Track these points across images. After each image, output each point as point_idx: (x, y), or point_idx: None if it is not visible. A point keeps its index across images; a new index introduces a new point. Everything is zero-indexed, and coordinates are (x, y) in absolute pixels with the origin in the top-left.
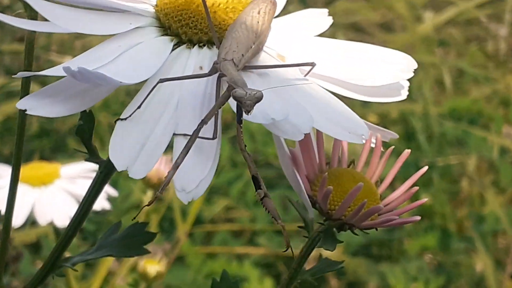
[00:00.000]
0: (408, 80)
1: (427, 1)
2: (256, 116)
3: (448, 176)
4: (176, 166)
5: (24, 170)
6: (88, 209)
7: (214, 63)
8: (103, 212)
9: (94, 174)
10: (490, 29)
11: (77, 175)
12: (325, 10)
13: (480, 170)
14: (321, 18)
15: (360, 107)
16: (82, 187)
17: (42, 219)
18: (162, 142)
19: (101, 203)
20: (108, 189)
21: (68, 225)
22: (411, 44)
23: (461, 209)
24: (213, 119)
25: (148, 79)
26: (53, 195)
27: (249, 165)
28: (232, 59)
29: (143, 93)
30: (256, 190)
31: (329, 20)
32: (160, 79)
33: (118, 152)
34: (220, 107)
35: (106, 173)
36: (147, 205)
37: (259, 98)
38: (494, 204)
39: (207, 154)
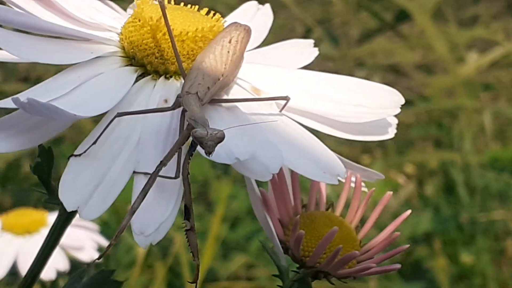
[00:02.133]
0: (449, 126)
1: (470, 42)
2: (220, 155)
3: (491, 233)
4: (132, 211)
5: (8, 217)
6: (47, 255)
7: (177, 97)
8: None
9: (85, 223)
10: None
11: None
12: (311, 41)
13: None
14: (306, 49)
15: (396, 156)
16: (71, 237)
17: (25, 271)
18: (120, 181)
19: (90, 254)
20: (99, 239)
21: (26, 274)
22: (452, 88)
23: (505, 269)
24: (175, 156)
25: (108, 112)
26: (38, 245)
27: (186, 193)
28: (197, 93)
29: (100, 128)
30: (184, 219)
31: (315, 52)
32: (118, 112)
33: (69, 191)
34: (180, 147)
35: (67, 216)
36: (98, 259)
37: (220, 139)
38: None
39: (168, 194)
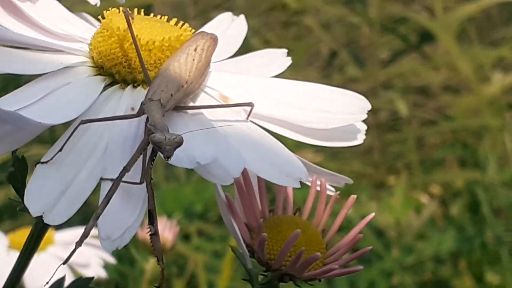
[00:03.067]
0: (474, 147)
1: (496, 62)
2: (181, 159)
3: None
4: (96, 217)
5: (16, 235)
6: (22, 270)
7: (141, 104)
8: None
9: (93, 240)
10: None
11: (73, 241)
12: (285, 51)
13: None
14: (279, 59)
15: (421, 176)
16: (78, 255)
17: None
18: (87, 187)
19: (96, 271)
20: (105, 256)
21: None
22: (477, 108)
23: None
24: (140, 163)
25: (75, 120)
26: (45, 263)
27: (149, 198)
28: (159, 99)
29: (67, 135)
30: (148, 225)
31: (288, 61)
32: (82, 120)
33: (34, 197)
34: (141, 153)
35: (43, 225)
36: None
37: (179, 143)
38: None
39: (134, 200)
